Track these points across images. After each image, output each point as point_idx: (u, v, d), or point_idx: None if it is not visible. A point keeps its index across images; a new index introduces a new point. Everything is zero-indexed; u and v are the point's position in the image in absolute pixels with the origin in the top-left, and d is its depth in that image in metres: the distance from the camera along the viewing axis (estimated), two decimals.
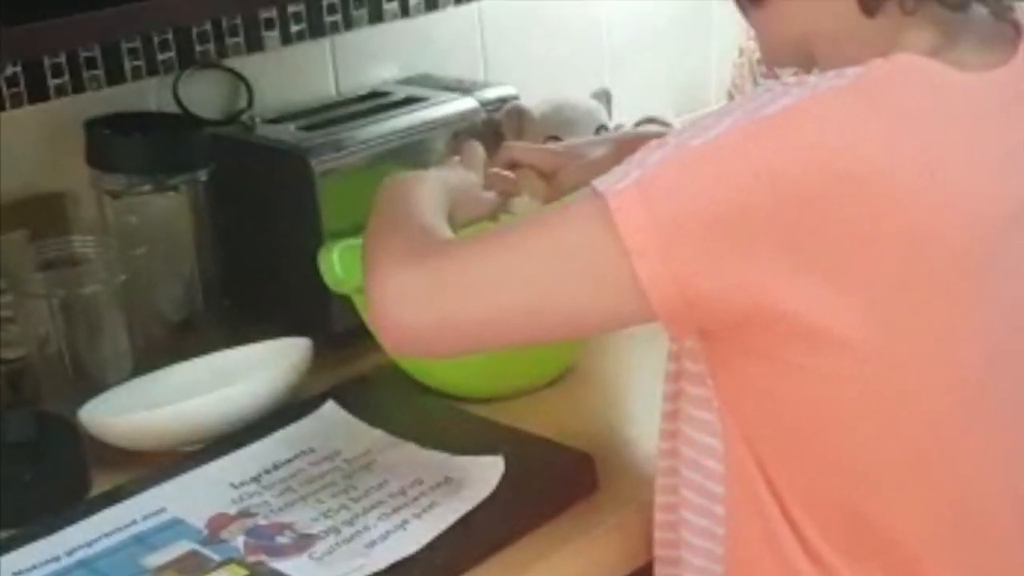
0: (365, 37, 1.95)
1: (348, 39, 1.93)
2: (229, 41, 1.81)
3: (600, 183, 1.05)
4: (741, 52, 2.41)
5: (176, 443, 1.45)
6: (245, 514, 1.33)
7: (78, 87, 1.68)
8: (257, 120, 1.75)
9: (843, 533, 1.14)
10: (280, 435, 1.46)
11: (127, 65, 1.72)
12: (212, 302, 1.70)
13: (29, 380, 1.57)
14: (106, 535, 1.31)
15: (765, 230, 1.01)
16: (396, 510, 1.31)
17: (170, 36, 1.74)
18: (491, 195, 1.43)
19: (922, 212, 1.03)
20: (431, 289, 1.09)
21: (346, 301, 1.58)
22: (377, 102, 1.84)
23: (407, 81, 1.95)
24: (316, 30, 1.90)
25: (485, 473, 1.35)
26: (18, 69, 1.62)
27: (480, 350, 1.19)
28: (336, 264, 1.57)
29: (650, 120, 2.05)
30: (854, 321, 1.03)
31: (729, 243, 1.01)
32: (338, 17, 1.92)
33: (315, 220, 1.65)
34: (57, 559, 1.28)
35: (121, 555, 1.28)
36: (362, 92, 1.90)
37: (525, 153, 1.50)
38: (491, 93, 1.87)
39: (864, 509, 1.13)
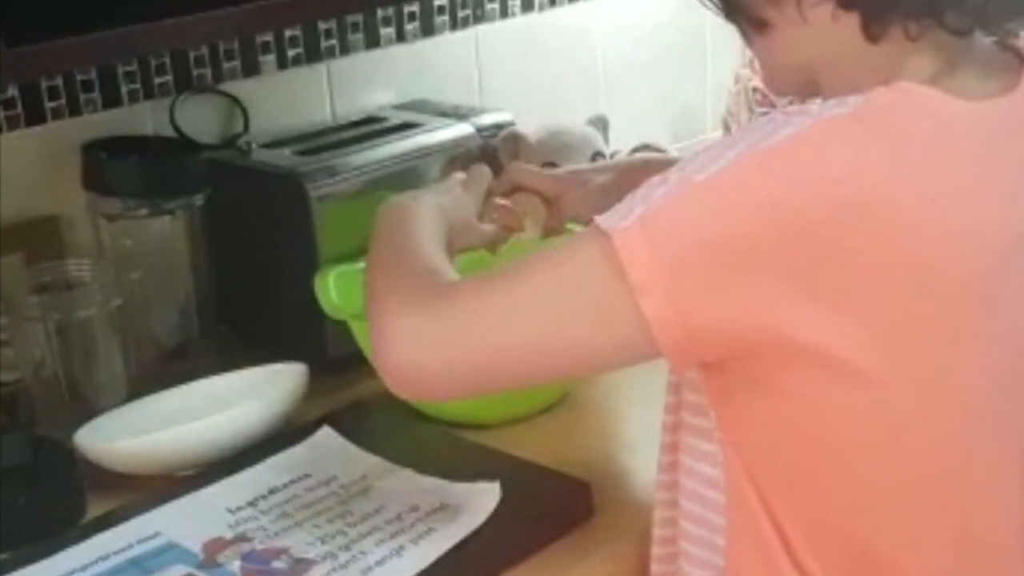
0: (361, 62, 1.98)
1: (344, 64, 1.97)
2: (226, 65, 1.84)
3: (604, 220, 1.06)
4: (737, 79, 2.43)
5: (172, 468, 1.47)
6: (241, 539, 1.35)
7: (75, 110, 1.71)
8: (253, 145, 1.78)
9: (845, 565, 1.15)
10: (276, 460, 1.48)
11: (124, 88, 1.75)
12: (207, 326, 1.73)
13: (24, 404, 1.59)
14: (101, 559, 1.33)
15: (768, 261, 1.02)
16: (392, 536, 1.34)
17: (167, 60, 1.77)
18: (489, 227, 1.44)
19: (924, 241, 1.04)
20: (437, 333, 1.10)
21: (341, 326, 1.60)
22: (373, 127, 1.87)
23: (403, 106, 1.98)
24: (312, 55, 1.93)
25: (482, 500, 1.37)
26: (15, 91, 1.64)
27: (488, 391, 1.20)
28: (332, 289, 1.60)
29: (645, 147, 2.08)
30: (860, 348, 1.05)
31: (733, 276, 1.03)
32: (334, 42, 1.95)
33: (311, 245, 1.67)
34: None
35: None
36: (358, 117, 1.93)
37: (529, 177, 1.51)
38: (487, 119, 1.90)
39: (866, 541, 1.14)
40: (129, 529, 1.37)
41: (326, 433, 1.53)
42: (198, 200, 1.69)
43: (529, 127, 1.91)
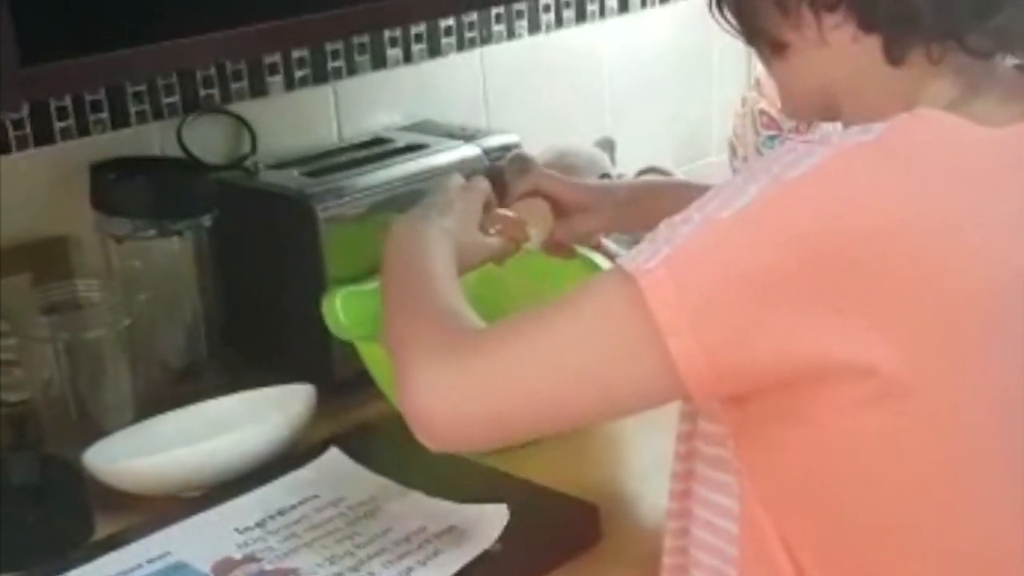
0: (368, 83, 2.02)
1: (351, 85, 2.00)
2: (233, 86, 1.87)
3: (628, 263, 1.07)
4: (743, 102, 2.46)
5: (181, 488, 1.50)
6: (250, 559, 1.37)
7: (83, 130, 1.74)
8: (260, 165, 1.81)
9: None
10: (284, 481, 1.51)
11: (132, 109, 1.78)
12: (215, 347, 1.76)
13: (32, 423, 1.61)
14: None
15: (797, 292, 1.03)
16: (400, 557, 1.36)
17: (175, 80, 1.80)
18: (494, 239, 1.44)
19: (949, 267, 1.05)
20: (463, 385, 1.11)
21: (348, 348, 1.63)
22: (380, 148, 1.90)
23: (409, 128, 2.01)
24: (319, 76, 1.96)
25: (489, 522, 1.40)
26: (24, 112, 1.67)
27: (517, 438, 1.22)
28: (339, 311, 1.62)
29: (652, 169, 2.11)
30: (889, 374, 1.05)
31: (763, 313, 1.03)
32: (341, 63, 1.98)
33: (318, 266, 1.70)
34: None
35: None
36: (364, 138, 1.97)
37: (549, 182, 1.52)
38: (494, 140, 1.92)
39: (882, 570, 1.14)
40: (138, 549, 1.40)
41: (334, 454, 1.56)
42: (206, 221, 1.72)
43: (536, 148, 1.94)
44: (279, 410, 1.58)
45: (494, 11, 2.14)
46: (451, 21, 2.09)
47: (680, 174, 2.02)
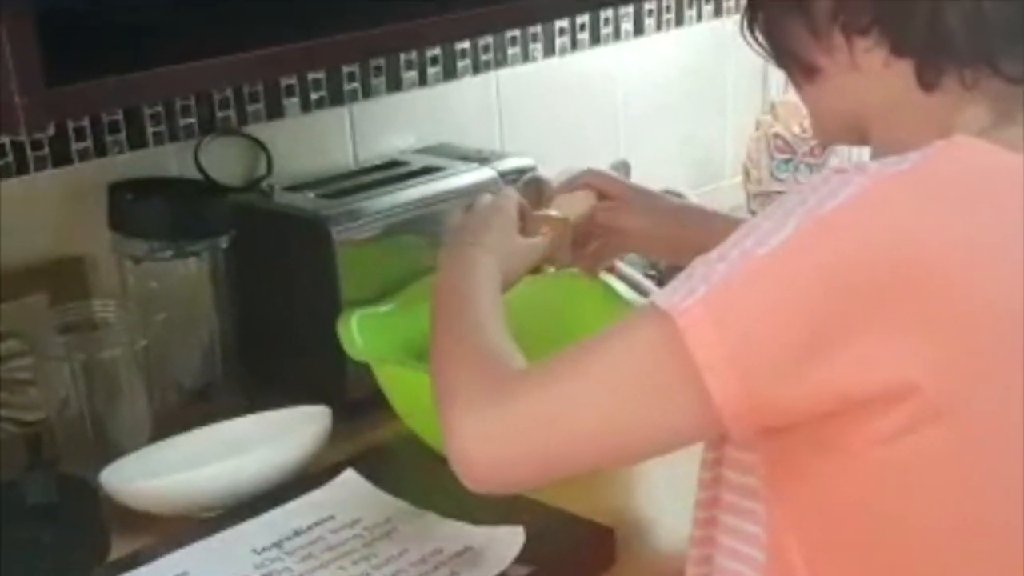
0: (383, 106, 2.04)
1: (367, 107, 2.02)
2: (249, 108, 1.90)
3: (664, 301, 1.07)
4: (757, 126, 2.49)
5: (197, 509, 1.52)
6: None
7: (101, 151, 1.76)
8: (276, 187, 1.83)
9: None
10: (300, 502, 1.53)
11: (149, 130, 1.80)
12: (230, 368, 1.78)
13: (48, 443, 1.63)
14: None
15: (836, 327, 1.03)
16: None
17: (192, 102, 1.83)
18: (537, 240, 1.46)
19: (982, 294, 1.06)
20: (504, 429, 1.12)
21: (363, 369, 1.65)
22: (395, 171, 1.93)
23: (424, 150, 2.04)
24: (335, 98, 1.99)
25: (505, 544, 1.42)
26: (49, 132, 1.69)
27: (560, 478, 1.21)
28: (355, 332, 1.65)
29: (666, 193, 2.13)
30: (928, 393, 1.05)
31: (801, 349, 1.04)
32: (357, 85, 2.01)
33: (334, 288, 1.72)
34: None
35: None
36: (379, 161, 1.99)
37: (597, 176, 1.57)
38: (509, 163, 1.94)
39: None
40: (155, 569, 1.42)
41: (349, 476, 1.57)
42: (222, 242, 1.74)
43: (550, 171, 1.95)
44: (295, 431, 1.60)
45: (509, 34, 2.17)
46: (466, 44, 2.12)
47: (694, 197, 2.03)
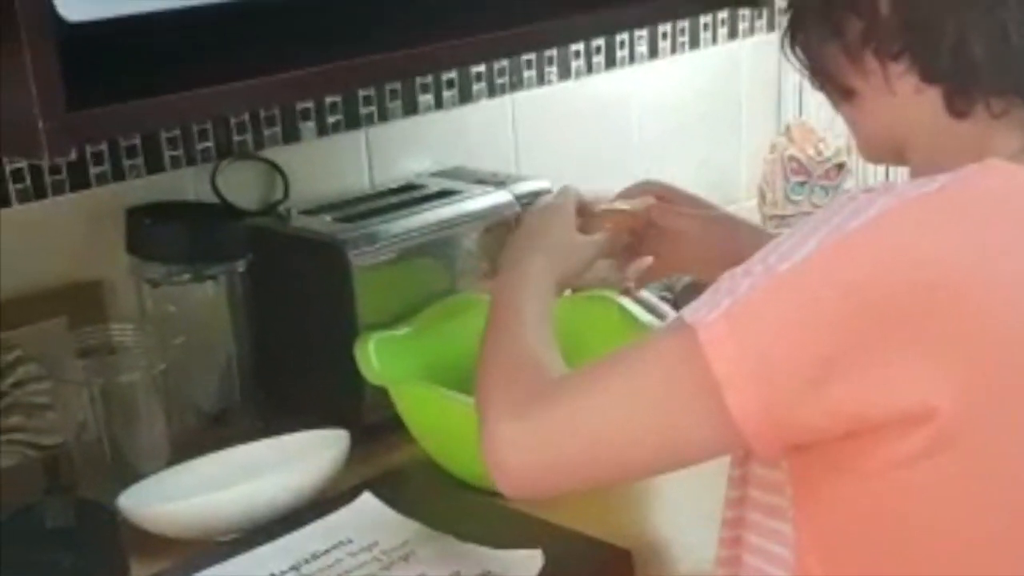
0: (399, 129, 2.06)
1: (383, 131, 2.04)
2: (266, 132, 1.91)
3: (689, 315, 1.10)
4: (772, 148, 2.50)
5: (215, 532, 1.53)
6: None
7: (118, 175, 1.78)
8: (292, 211, 1.85)
9: None
10: (317, 526, 1.54)
11: (166, 154, 1.82)
12: (247, 392, 1.80)
13: (66, 467, 1.64)
14: None
15: (855, 346, 1.05)
16: None
17: (209, 126, 1.85)
18: (596, 237, 1.48)
19: (1004, 318, 1.07)
20: (537, 438, 1.16)
21: (380, 393, 1.66)
22: (411, 195, 1.94)
23: (440, 173, 2.05)
24: (351, 121, 2.00)
25: (523, 567, 1.43)
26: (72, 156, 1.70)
27: (590, 486, 1.25)
28: (373, 356, 1.67)
29: None
30: (946, 417, 1.06)
31: (821, 366, 1.05)
32: (373, 108, 2.02)
33: (351, 312, 1.73)
34: None
35: None
36: (395, 184, 2.00)
37: (655, 184, 1.59)
38: (525, 187, 1.96)
39: None
40: None
41: (367, 499, 1.58)
42: (240, 266, 1.76)
43: None
44: (312, 455, 1.61)
45: (525, 57, 2.19)
46: (482, 67, 2.14)
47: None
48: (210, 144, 1.86)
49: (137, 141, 1.79)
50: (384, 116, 2.04)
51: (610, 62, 2.32)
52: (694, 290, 2.03)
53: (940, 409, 1.06)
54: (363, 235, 1.77)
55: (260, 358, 1.82)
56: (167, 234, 1.73)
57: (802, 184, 2.47)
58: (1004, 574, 1.14)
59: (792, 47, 1.25)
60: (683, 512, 1.54)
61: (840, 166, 2.48)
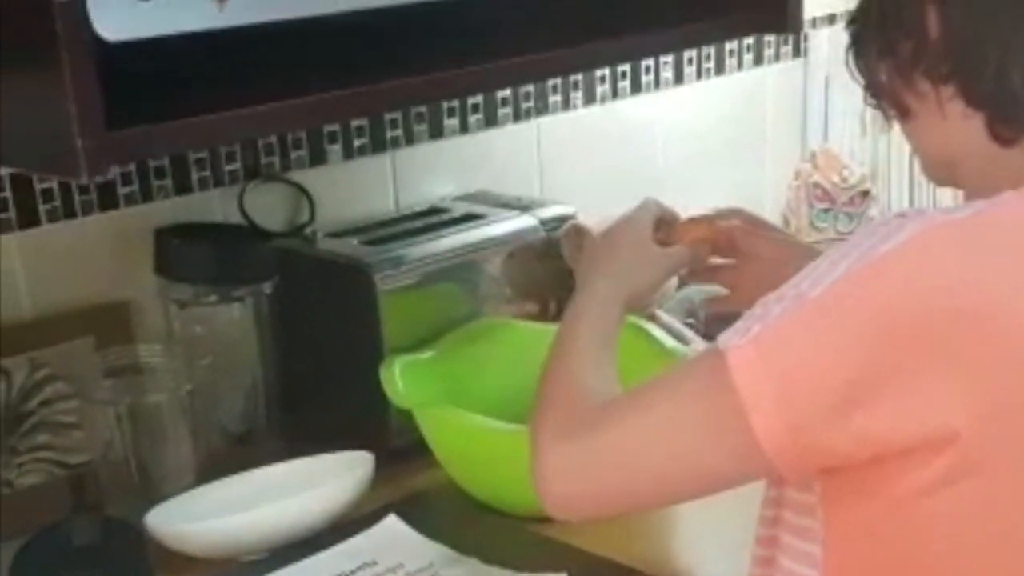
0: (425, 152, 2.09)
1: (408, 154, 2.07)
2: (293, 154, 1.94)
3: (723, 340, 1.13)
4: (797, 175, 2.53)
5: (241, 552, 1.56)
6: None
7: (147, 196, 1.81)
8: (319, 233, 1.87)
9: None
10: (343, 547, 1.57)
11: (194, 175, 1.85)
12: (272, 413, 1.82)
13: (92, 486, 1.67)
14: None
15: (880, 371, 1.07)
16: None
17: (237, 148, 1.88)
18: (674, 250, 1.48)
19: None
20: (581, 465, 1.20)
21: (405, 415, 1.69)
22: (436, 218, 1.97)
23: (465, 197, 2.08)
24: (377, 145, 2.03)
25: None
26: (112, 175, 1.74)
27: (634, 511, 1.29)
28: (398, 379, 1.69)
29: None
30: (968, 442, 1.08)
31: (845, 391, 1.08)
32: (399, 132, 2.05)
33: (376, 335, 1.76)
34: None
35: None
36: (420, 207, 2.04)
37: (738, 211, 1.59)
38: (549, 211, 1.99)
39: None
40: None
41: (392, 521, 1.61)
42: (266, 288, 1.79)
43: (591, 219, 1.99)
44: (337, 477, 1.63)
45: (550, 82, 2.22)
46: (508, 92, 2.17)
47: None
48: (237, 166, 1.89)
49: (166, 162, 1.81)
50: (410, 140, 2.07)
51: (635, 87, 2.35)
52: (718, 317, 2.06)
53: (961, 434, 1.08)
54: (389, 258, 1.80)
55: (285, 380, 1.84)
56: (195, 255, 1.75)
57: (827, 211, 2.50)
58: None
59: (852, 63, 1.26)
60: (708, 539, 1.56)
61: (865, 193, 2.51)
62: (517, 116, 2.20)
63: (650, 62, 2.35)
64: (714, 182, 2.47)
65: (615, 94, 2.32)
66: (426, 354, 1.77)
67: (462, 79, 1.68)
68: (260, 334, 1.80)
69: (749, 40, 2.49)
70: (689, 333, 1.97)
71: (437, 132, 2.10)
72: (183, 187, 1.84)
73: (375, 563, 1.54)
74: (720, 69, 2.47)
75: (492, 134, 2.17)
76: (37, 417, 1.70)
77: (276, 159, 1.93)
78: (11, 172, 1.66)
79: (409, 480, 1.74)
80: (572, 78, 2.24)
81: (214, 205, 1.87)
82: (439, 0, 1.60)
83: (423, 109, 2.07)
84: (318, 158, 1.97)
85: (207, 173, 1.86)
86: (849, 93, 2.53)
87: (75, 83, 1.24)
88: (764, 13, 1.88)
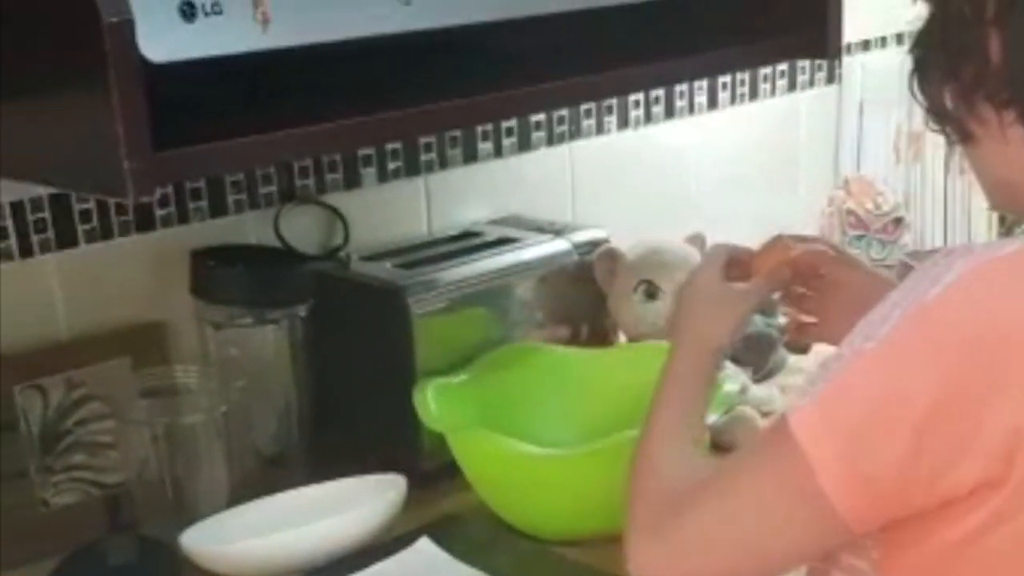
0: (458, 176, 2.12)
1: (442, 178, 2.10)
2: (328, 177, 1.97)
3: (788, 404, 1.15)
4: (830, 201, 2.55)
5: (276, 573, 1.58)
6: None
7: (183, 218, 1.84)
8: (353, 256, 1.90)
9: None
10: (375, 569, 1.59)
11: (230, 198, 1.88)
12: (306, 435, 1.85)
13: (127, 505, 1.70)
14: None
15: (947, 416, 1.08)
16: None
17: (272, 171, 1.91)
18: (745, 286, 1.47)
19: None
20: (669, 556, 1.22)
21: (438, 439, 1.72)
22: (469, 242, 2.00)
23: (498, 221, 2.11)
24: (412, 168, 2.06)
25: None
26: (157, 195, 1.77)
27: None
28: (431, 402, 1.72)
29: None
30: (1016, 484, 1.09)
31: (910, 439, 1.08)
32: (433, 156, 2.08)
33: (410, 358, 1.79)
34: None
35: None
36: (454, 231, 2.07)
37: (820, 241, 1.60)
38: (583, 235, 2.02)
39: None
40: None
41: (424, 544, 1.64)
42: (301, 311, 1.82)
43: (623, 243, 2.03)
44: (370, 499, 1.66)
45: (584, 106, 2.25)
46: (541, 116, 2.20)
47: None
48: (273, 188, 1.92)
49: (202, 184, 1.85)
50: (444, 163, 2.10)
51: (669, 112, 2.38)
52: (749, 340, 2.08)
53: (1017, 465, 1.08)
54: (422, 282, 1.82)
55: (318, 402, 1.87)
56: (231, 277, 1.78)
57: (860, 238, 2.52)
58: None
59: (915, 87, 1.27)
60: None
61: (898, 220, 2.52)
62: (551, 140, 2.23)
63: (684, 87, 2.38)
64: (747, 207, 2.49)
65: (649, 119, 2.35)
66: (459, 378, 1.80)
67: (496, 103, 1.70)
68: (294, 356, 1.83)
69: (783, 66, 2.52)
70: None
71: (471, 156, 2.13)
72: (219, 209, 1.87)
73: None
74: (754, 95, 2.50)
75: (525, 158, 2.20)
76: (73, 437, 1.74)
77: (311, 182, 1.96)
78: (51, 193, 1.70)
79: (441, 503, 1.76)
80: (606, 103, 2.27)
81: (249, 227, 1.90)
82: (475, 24, 1.62)
83: (457, 133, 2.10)
84: (353, 181, 2.00)
85: (243, 196, 1.89)
86: (883, 120, 2.56)
87: (123, 104, 1.25)
88: (801, 38, 1.90)
